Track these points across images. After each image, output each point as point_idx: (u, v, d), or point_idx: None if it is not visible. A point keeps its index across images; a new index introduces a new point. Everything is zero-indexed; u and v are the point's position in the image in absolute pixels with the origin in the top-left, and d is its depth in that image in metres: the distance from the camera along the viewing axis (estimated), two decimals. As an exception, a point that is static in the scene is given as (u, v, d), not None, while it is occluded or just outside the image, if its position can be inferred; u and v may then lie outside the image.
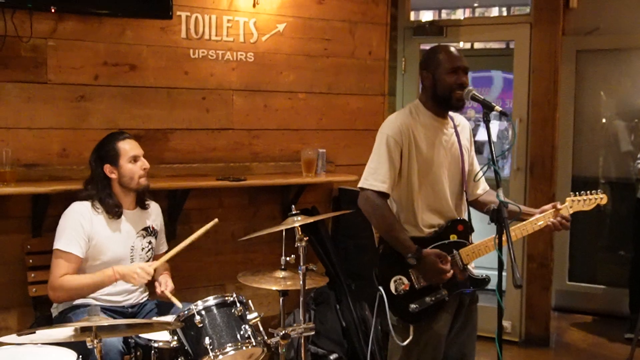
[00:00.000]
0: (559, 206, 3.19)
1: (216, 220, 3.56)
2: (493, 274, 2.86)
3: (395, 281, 3.11)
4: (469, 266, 3.20)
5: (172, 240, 4.27)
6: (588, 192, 3.28)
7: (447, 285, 3.10)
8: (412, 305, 3.09)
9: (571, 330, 5.99)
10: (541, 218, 3.17)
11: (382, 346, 4.22)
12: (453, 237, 3.17)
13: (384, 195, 3.13)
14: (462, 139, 3.29)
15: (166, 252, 3.85)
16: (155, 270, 3.76)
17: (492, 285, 3.05)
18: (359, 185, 3.19)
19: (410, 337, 3.11)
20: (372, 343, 4.04)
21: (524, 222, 3.17)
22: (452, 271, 3.07)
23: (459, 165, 3.26)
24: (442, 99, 3.14)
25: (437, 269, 3.04)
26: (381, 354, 4.27)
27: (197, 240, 3.53)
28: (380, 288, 3.12)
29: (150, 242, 3.74)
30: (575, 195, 3.26)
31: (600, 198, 3.28)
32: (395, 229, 3.11)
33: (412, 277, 3.11)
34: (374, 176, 3.13)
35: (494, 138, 3.40)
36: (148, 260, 3.72)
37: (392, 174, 3.12)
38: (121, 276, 3.48)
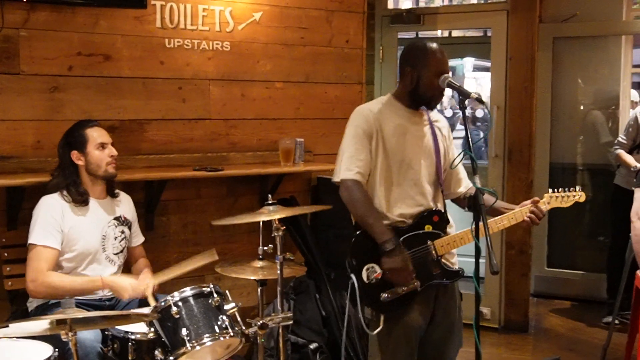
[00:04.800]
0: (537, 199, 3.19)
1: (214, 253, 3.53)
2: (470, 261, 2.86)
3: (367, 269, 3.09)
4: (446, 257, 3.20)
5: (149, 232, 4.26)
6: (567, 189, 3.28)
7: (419, 276, 3.07)
8: (384, 295, 3.06)
9: (550, 316, 6.04)
10: (519, 213, 3.17)
11: (361, 335, 4.22)
12: (428, 228, 3.15)
13: (359, 184, 3.12)
14: (437, 133, 3.28)
15: (143, 243, 3.87)
16: (134, 263, 3.76)
17: (470, 272, 3.06)
18: (334, 179, 3.18)
19: (381, 327, 3.10)
20: (350, 332, 4.04)
21: (501, 216, 3.17)
22: (414, 278, 3.05)
23: (433, 156, 3.24)
24: (423, 98, 3.15)
25: (406, 267, 3.00)
26: (361, 343, 4.28)
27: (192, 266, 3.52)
28: (353, 276, 3.10)
29: (123, 232, 3.71)
30: (554, 192, 3.27)
31: (579, 196, 3.28)
32: (371, 215, 3.09)
33: None
34: (347, 166, 3.12)
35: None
36: (122, 250, 3.70)
37: (365, 160, 3.12)
38: (110, 287, 3.47)
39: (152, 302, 3.35)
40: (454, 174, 3.34)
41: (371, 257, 3.09)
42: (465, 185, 3.40)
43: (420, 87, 3.12)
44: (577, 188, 3.30)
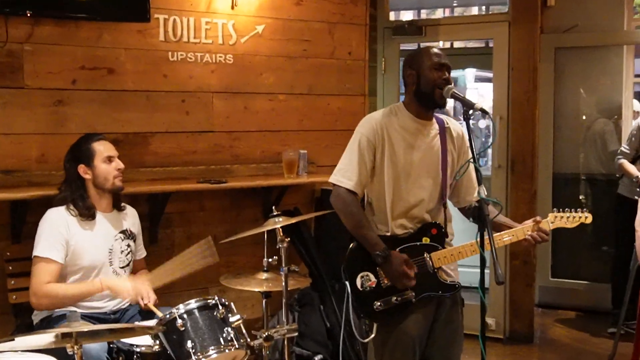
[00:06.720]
0: (539, 219, 3.14)
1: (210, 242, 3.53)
2: (474, 272, 2.85)
3: (362, 277, 3.08)
4: (444, 268, 3.17)
5: (154, 244, 4.26)
6: (573, 210, 3.22)
7: (414, 287, 3.05)
8: (377, 304, 3.06)
9: (555, 326, 6.02)
10: (520, 231, 3.13)
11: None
12: (425, 240, 3.14)
13: (353, 193, 3.11)
14: (448, 143, 3.22)
15: (145, 256, 3.86)
16: (135, 277, 3.75)
17: (475, 282, 3.05)
18: (330, 179, 3.17)
19: (373, 335, 3.10)
20: (355, 344, 4.03)
21: (502, 233, 3.13)
22: (414, 278, 3.02)
23: (439, 172, 3.19)
24: (426, 95, 3.10)
25: (401, 272, 3.00)
26: (366, 355, 4.27)
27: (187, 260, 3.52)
28: (347, 283, 3.09)
29: (129, 245, 3.70)
30: (559, 212, 3.21)
31: (585, 217, 3.21)
32: (363, 226, 3.09)
33: (380, 275, 3.09)
34: (343, 173, 3.12)
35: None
36: (128, 264, 3.70)
37: (362, 172, 3.11)
38: (109, 288, 3.46)
39: (158, 313, 3.34)
40: (465, 182, 3.28)
41: (366, 265, 3.10)
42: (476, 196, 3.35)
43: (421, 84, 3.10)
44: (584, 209, 3.21)
